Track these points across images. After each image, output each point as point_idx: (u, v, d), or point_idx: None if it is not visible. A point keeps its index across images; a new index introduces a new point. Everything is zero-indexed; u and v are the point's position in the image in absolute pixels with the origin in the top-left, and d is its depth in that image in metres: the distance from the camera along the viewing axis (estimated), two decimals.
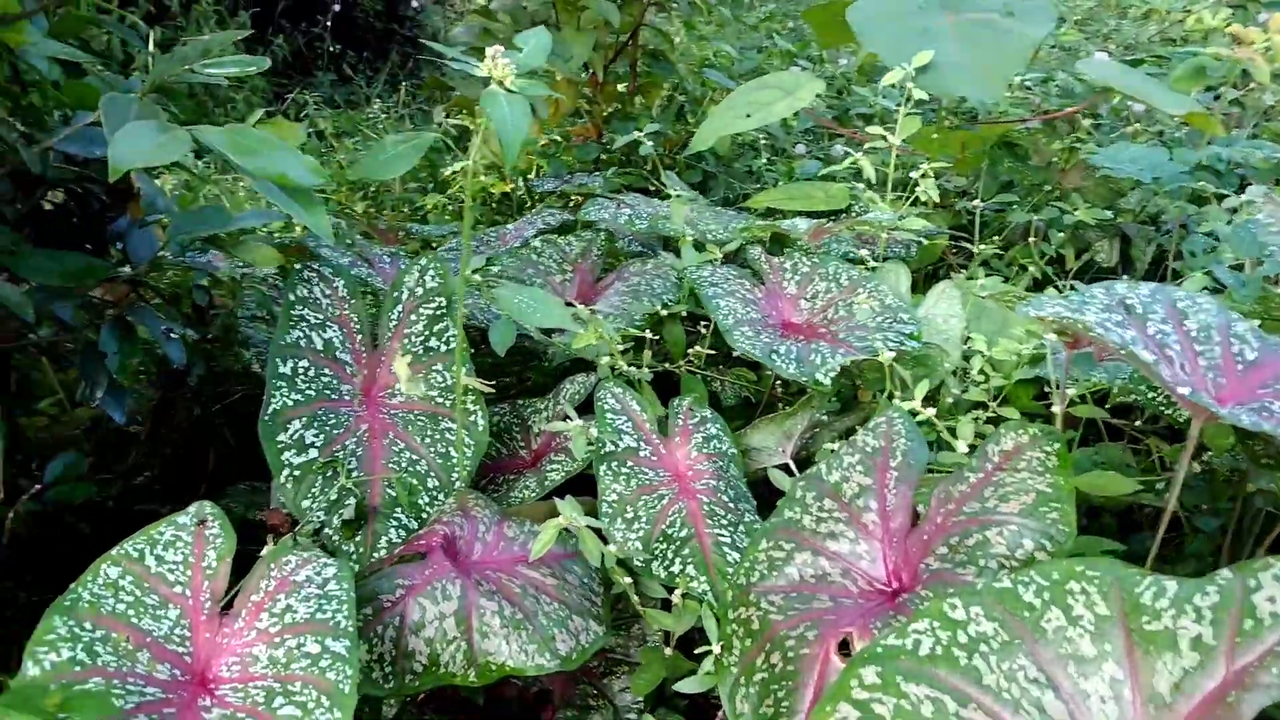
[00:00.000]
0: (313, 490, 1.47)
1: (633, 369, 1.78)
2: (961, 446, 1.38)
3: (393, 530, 1.47)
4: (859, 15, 2.23)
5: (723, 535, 1.51)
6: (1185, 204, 2.47)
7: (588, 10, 3.17)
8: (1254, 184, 2.15)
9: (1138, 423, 2.10)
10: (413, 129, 4.78)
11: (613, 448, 1.59)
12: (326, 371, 1.56)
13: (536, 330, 1.86)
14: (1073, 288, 2.28)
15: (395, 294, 1.63)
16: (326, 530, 1.46)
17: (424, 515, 1.50)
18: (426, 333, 1.62)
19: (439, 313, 1.63)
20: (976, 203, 2.53)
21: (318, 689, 1.02)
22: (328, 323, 1.59)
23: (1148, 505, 1.73)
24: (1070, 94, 3.69)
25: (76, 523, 1.91)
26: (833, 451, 1.28)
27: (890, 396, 1.71)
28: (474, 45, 3.20)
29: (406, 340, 1.62)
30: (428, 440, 1.56)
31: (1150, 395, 1.57)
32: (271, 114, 5.77)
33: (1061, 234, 2.70)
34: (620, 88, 3.66)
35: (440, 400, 1.59)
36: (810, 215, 2.56)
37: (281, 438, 1.48)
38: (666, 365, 1.95)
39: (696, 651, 1.34)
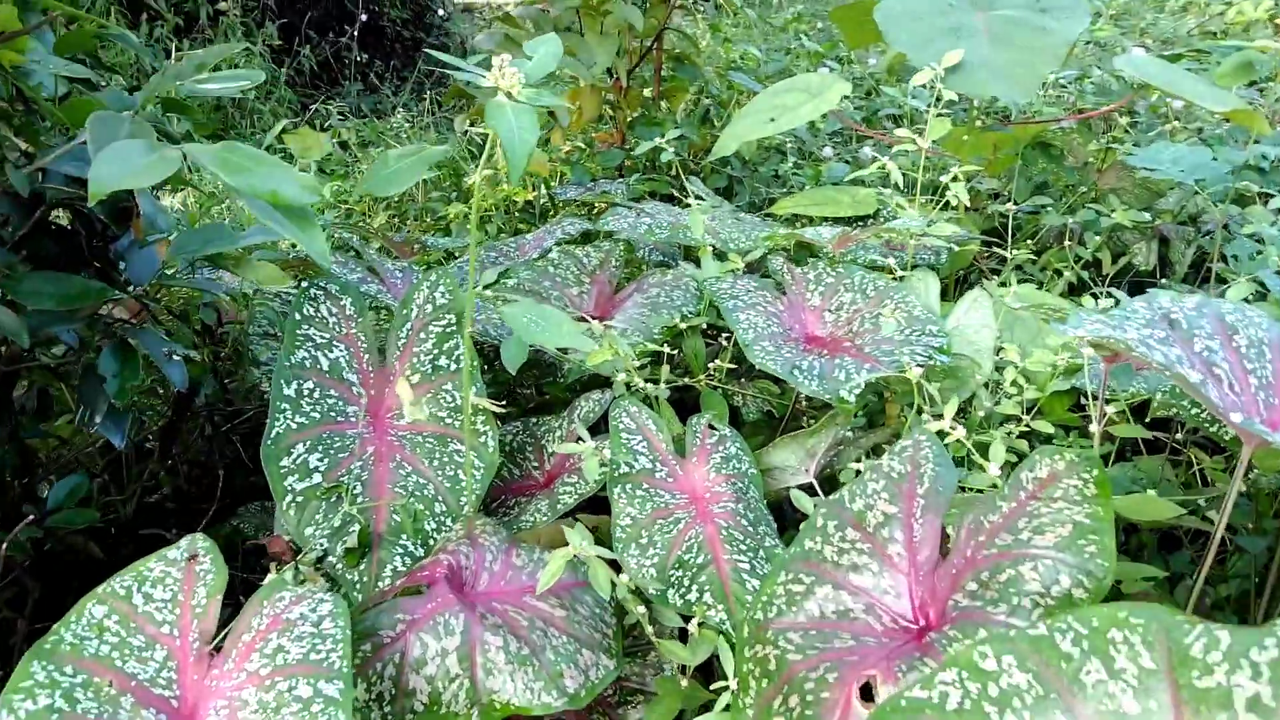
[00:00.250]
0: (316, 517, 1.43)
1: (649, 385, 1.71)
2: (993, 469, 1.30)
3: (398, 558, 1.42)
4: (886, 14, 2.15)
5: (741, 561, 1.45)
6: (1229, 205, 2.37)
7: (611, 15, 3.11)
8: None
9: (1178, 435, 2.01)
10: (437, 137, 4.76)
11: (627, 469, 1.53)
12: (332, 393, 1.52)
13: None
14: (1109, 294, 2.19)
15: (404, 311, 1.59)
16: (330, 558, 1.42)
17: (431, 542, 1.45)
18: (436, 351, 1.57)
19: (449, 330, 1.58)
20: (1010, 205, 2.44)
21: None
22: (334, 342, 1.54)
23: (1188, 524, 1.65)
24: (1106, 91, 3.58)
25: (86, 544, 1.89)
26: (856, 475, 1.21)
27: (919, 411, 1.63)
28: (496, 52, 3.16)
29: (415, 359, 1.57)
30: (436, 463, 1.51)
31: (1194, 411, 1.48)
32: (297, 124, 5.79)
33: (1098, 237, 2.61)
34: (645, 92, 3.60)
35: (449, 421, 1.54)
36: (836, 221, 2.49)
37: (284, 462, 1.44)
38: (686, 379, 1.89)
39: (714, 687, 1.28)
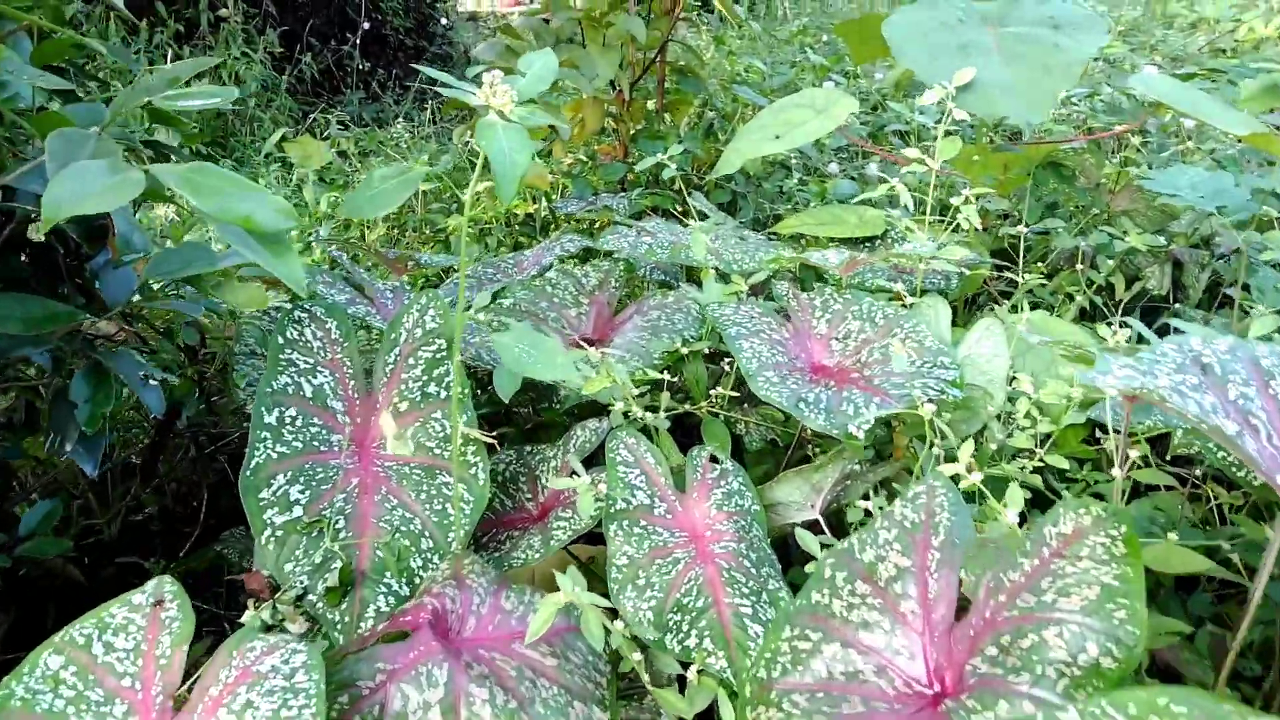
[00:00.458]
0: (296, 552, 1.36)
1: (649, 414, 1.65)
2: (1010, 516, 1.23)
3: (382, 598, 1.35)
4: (895, 30, 2.09)
5: (744, 605, 1.37)
6: (1250, 231, 2.30)
7: (614, 26, 3.05)
8: None
9: (1196, 471, 1.94)
10: (437, 148, 4.70)
11: (624, 505, 1.46)
12: (316, 421, 1.45)
13: None
14: (1125, 324, 2.12)
15: (392, 335, 1.52)
16: (310, 596, 1.34)
17: (417, 580, 1.37)
18: (425, 377, 1.50)
19: (439, 355, 1.51)
20: (1021, 228, 2.37)
21: None
22: (319, 367, 1.47)
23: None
24: (1116, 109, 3.52)
25: (65, 566, 1.82)
26: (865, 519, 1.14)
27: (930, 445, 1.56)
28: (496, 64, 3.10)
29: (403, 386, 1.50)
30: (423, 496, 1.44)
31: (1220, 455, 1.41)
32: (298, 132, 5.73)
33: (1111, 261, 2.54)
34: (648, 105, 3.54)
35: (439, 452, 1.47)
36: (843, 242, 2.42)
37: (264, 494, 1.37)
38: (687, 406, 1.82)
39: None
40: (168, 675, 1.00)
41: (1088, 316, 2.65)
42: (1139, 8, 6.32)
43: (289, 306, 1.48)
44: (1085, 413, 1.73)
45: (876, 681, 1.00)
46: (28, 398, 1.81)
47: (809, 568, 1.47)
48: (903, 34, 2.08)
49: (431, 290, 1.52)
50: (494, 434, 1.47)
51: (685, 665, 1.33)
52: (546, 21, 3.15)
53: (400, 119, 5.93)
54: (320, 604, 1.34)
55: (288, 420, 1.42)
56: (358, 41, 6.86)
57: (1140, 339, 2.06)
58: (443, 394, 1.49)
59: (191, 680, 1.02)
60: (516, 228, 3.59)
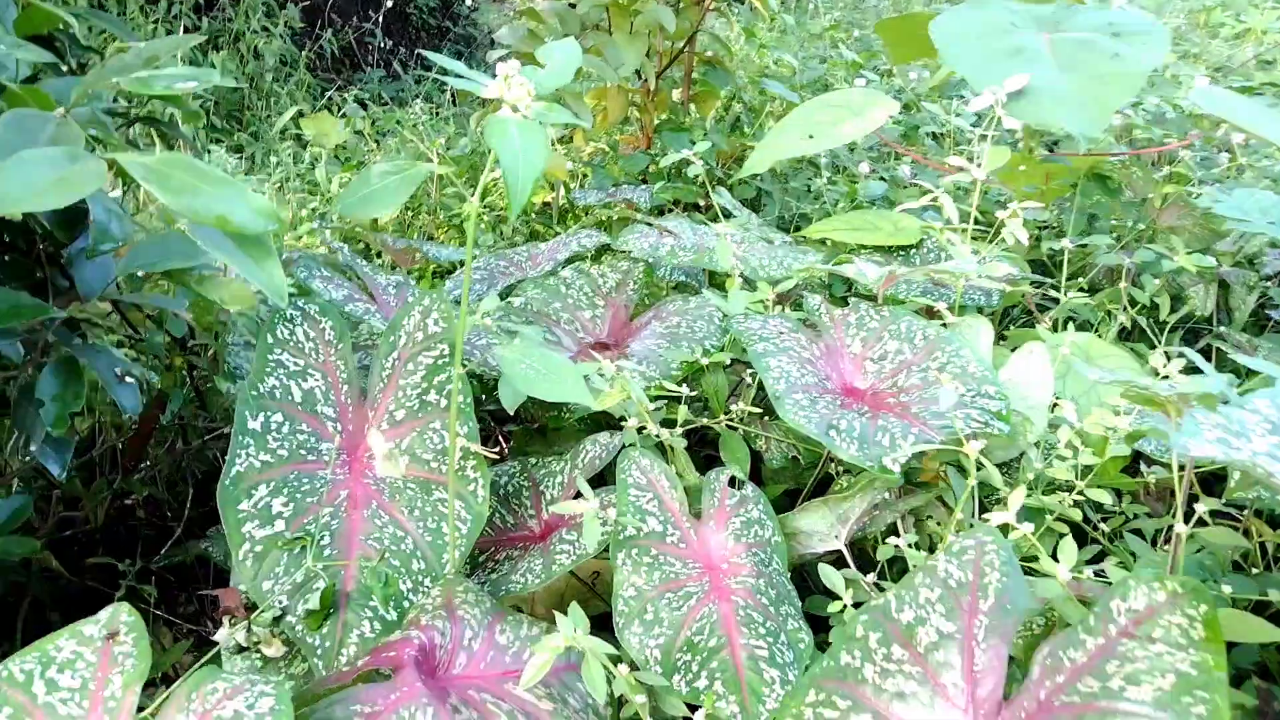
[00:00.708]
0: (276, 570, 1.25)
1: (664, 430, 1.53)
2: (1063, 573, 1.11)
3: (366, 623, 1.24)
4: (943, 31, 1.96)
5: (759, 647, 1.26)
6: None
7: (641, 14, 2.93)
8: None
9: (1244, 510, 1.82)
10: (455, 131, 4.59)
11: (634, 532, 1.35)
12: (304, 427, 1.34)
13: None
14: (1182, 354, 1.98)
15: (391, 338, 1.40)
16: (289, 618, 1.24)
17: (405, 604, 1.27)
18: (425, 384, 1.39)
19: (441, 362, 1.39)
20: (1065, 242, 2.24)
21: None
22: (310, 369, 1.36)
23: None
24: (1161, 120, 3.37)
25: (44, 554, 1.72)
26: (906, 577, 1.02)
27: (969, 479, 1.45)
28: (518, 50, 2.98)
29: (401, 393, 1.39)
30: (417, 513, 1.33)
31: None
32: (316, 109, 5.62)
33: (1157, 280, 2.41)
34: (673, 95, 3.42)
35: (435, 465, 1.36)
36: (875, 250, 2.30)
37: (244, 506, 1.26)
38: (704, 420, 1.70)
39: None
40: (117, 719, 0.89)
41: (1128, 336, 2.52)
42: (1182, 16, 6.14)
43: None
44: (1130, 445, 1.61)
45: None
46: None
47: (832, 608, 1.36)
48: (951, 35, 1.94)
49: (435, 290, 1.41)
50: (502, 429, 1.36)
51: (693, 708, 1.23)
52: (573, 6, 3.02)
53: (419, 99, 5.81)
54: (300, 627, 1.23)
55: (274, 426, 1.31)
56: (380, 19, 6.74)
57: (1193, 368, 1.94)
58: (443, 403, 1.38)
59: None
60: (533, 216, 3.47)
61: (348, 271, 1.78)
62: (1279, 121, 1.98)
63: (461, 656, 1.15)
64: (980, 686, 0.91)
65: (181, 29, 5.48)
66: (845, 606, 1.33)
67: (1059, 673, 0.87)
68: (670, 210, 3.18)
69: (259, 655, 1.26)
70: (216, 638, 1.27)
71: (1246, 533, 1.77)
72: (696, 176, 2.34)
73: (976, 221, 1.98)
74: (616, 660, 1.21)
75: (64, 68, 1.32)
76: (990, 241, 1.90)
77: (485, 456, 1.35)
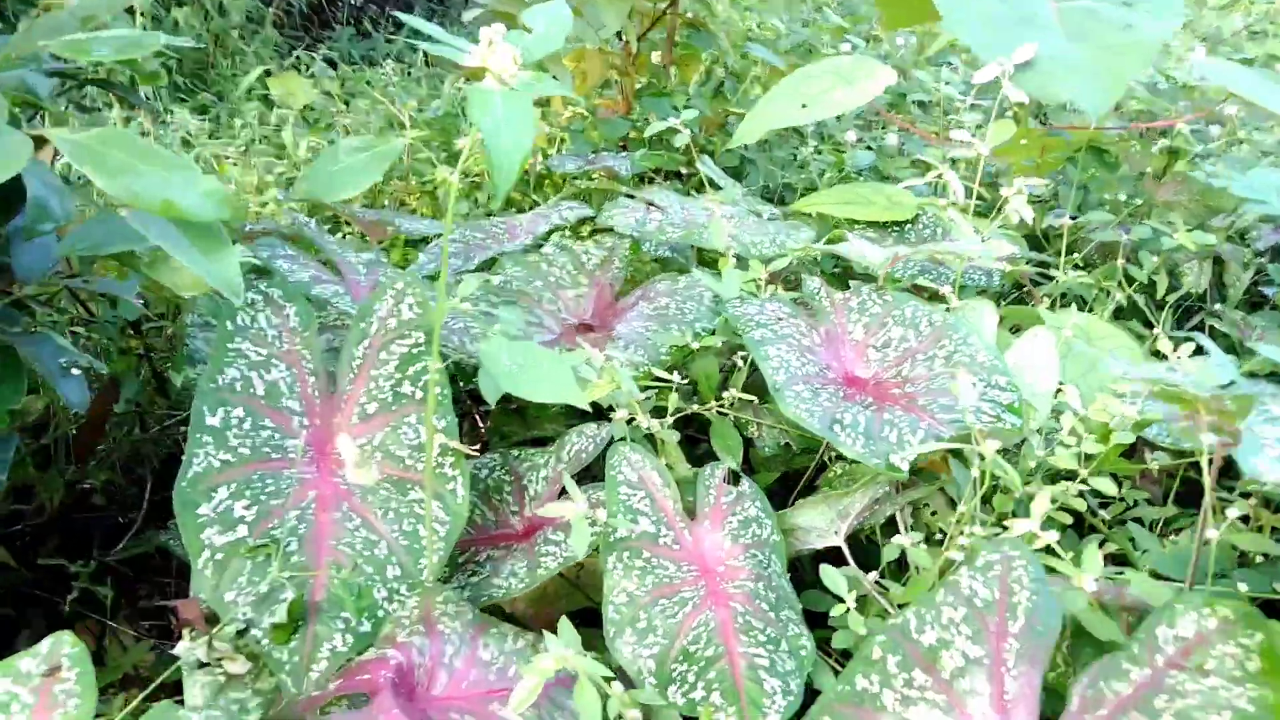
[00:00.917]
0: (240, 580, 1.15)
1: (654, 422, 1.44)
2: (1088, 584, 1.04)
3: (338, 635, 1.14)
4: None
5: (759, 655, 1.19)
6: None
7: None
8: None
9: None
10: (428, 92, 4.43)
11: (625, 533, 1.26)
12: (267, 423, 1.23)
13: None
14: (1191, 338, 1.91)
15: (362, 325, 1.30)
16: (254, 631, 1.14)
17: (380, 613, 1.17)
18: (398, 375, 1.29)
19: (416, 351, 1.29)
20: (1064, 219, 2.17)
21: None
22: (273, 360, 1.26)
23: None
24: (1152, 89, 3.30)
25: None
26: (928, 596, 0.94)
27: (967, 463, 1.37)
28: (496, 9, 2.84)
29: (373, 384, 1.28)
30: (391, 515, 1.24)
31: None
32: (284, 68, 5.42)
33: (1155, 257, 2.34)
34: (654, 58, 3.30)
35: (411, 462, 1.26)
36: (868, 225, 2.21)
37: (203, 510, 1.16)
38: (694, 407, 1.61)
39: None
40: None
41: (1121, 314, 2.46)
42: None
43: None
44: (1137, 433, 1.54)
45: None
46: None
47: (835, 611, 1.28)
48: (957, 3, 1.84)
49: (409, 272, 1.30)
50: (479, 408, 1.26)
51: None
52: None
53: (390, 59, 5.62)
54: (266, 641, 1.14)
55: (234, 422, 1.21)
56: None
57: (1198, 350, 1.87)
58: (419, 394, 1.28)
59: None
60: None
61: (314, 247, 1.66)
62: None
63: (442, 675, 1.07)
64: (1011, 718, 0.83)
65: None
66: (848, 609, 1.25)
67: (1100, 705, 0.79)
68: (654, 179, 3.07)
69: (222, 671, 1.17)
70: (176, 651, 1.17)
71: (1245, 519, 1.72)
72: (683, 146, 2.25)
73: (977, 196, 1.90)
74: (609, 678, 1.13)
75: None
76: (992, 219, 1.82)
77: (464, 453, 1.26)
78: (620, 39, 3.05)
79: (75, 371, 1.16)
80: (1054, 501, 1.47)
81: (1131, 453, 1.78)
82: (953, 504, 1.72)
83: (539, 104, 3.50)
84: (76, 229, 1.10)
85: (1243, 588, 1.40)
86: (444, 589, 1.17)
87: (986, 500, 1.63)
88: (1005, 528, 1.58)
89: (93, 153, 0.71)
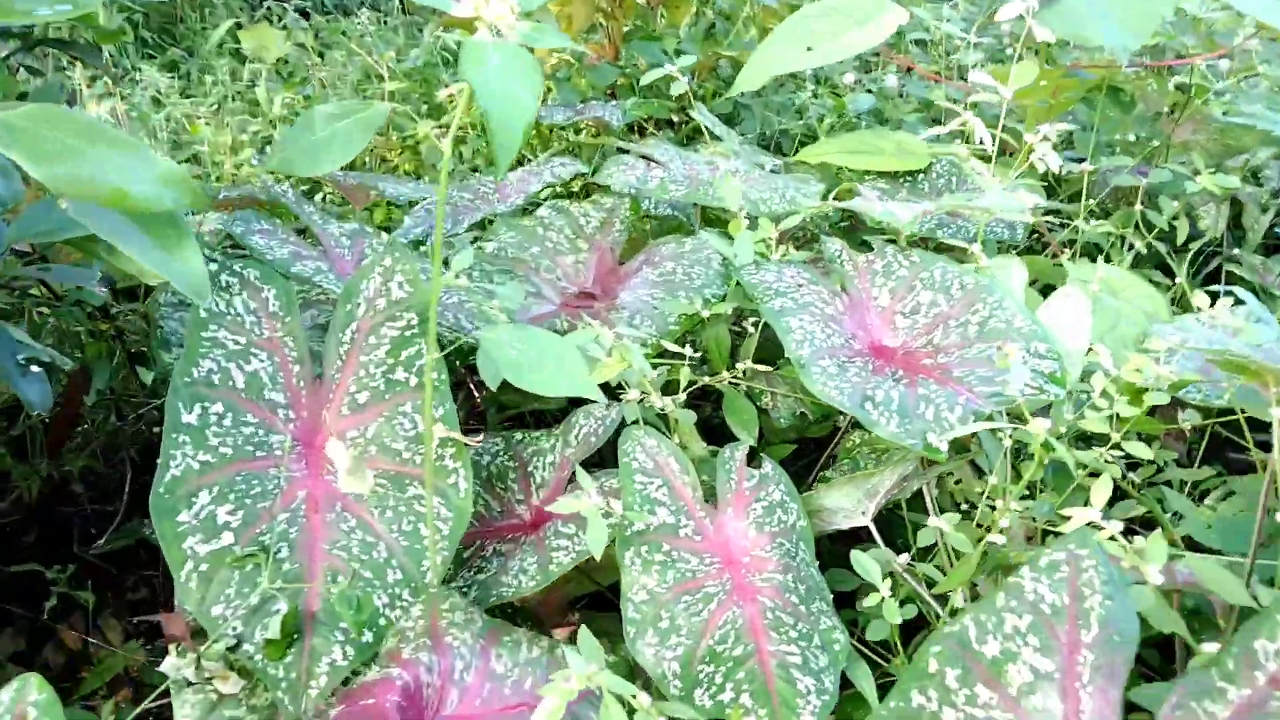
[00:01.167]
0: (227, 591, 1.06)
1: (667, 400, 1.34)
2: (1154, 576, 0.95)
3: (338, 648, 1.05)
4: None
5: (791, 653, 1.10)
6: None
7: None
8: None
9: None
10: (406, 42, 4.25)
11: (643, 526, 1.17)
12: (249, 418, 1.13)
13: None
14: (1231, 293, 1.82)
15: (348, 306, 1.19)
16: (246, 646, 1.05)
17: (382, 622, 1.08)
18: (390, 361, 1.18)
19: (409, 333, 1.19)
20: (1085, 165, 2.06)
21: None
22: (253, 348, 1.15)
23: None
24: (1164, 27, 3.16)
25: None
26: (988, 602, 0.86)
27: (996, 432, 1.29)
28: None
29: (363, 371, 1.18)
30: (390, 513, 1.14)
31: None
32: (254, 19, 5.21)
33: (1175, 202, 2.24)
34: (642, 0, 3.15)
35: (408, 456, 1.16)
36: (879, 175, 2.10)
37: (183, 517, 1.06)
38: (707, 380, 1.52)
39: None
40: None
41: (1140, 261, 2.36)
42: None
43: (213, 268, 1.14)
44: (1173, 394, 1.46)
45: None
46: None
47: (868, 602, 1.20)
48: None
49: (394, 240, 1.19)
50: (474, 377, 1.16)
51: None
52: None
53: (365, 7, 5.41)
54: (259, 656, 1.05)
55: (213, 419, 1.10)
56: None
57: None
58: (414, 381, 1.18)
59: None
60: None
61: (292, 215, 1.54)
62: None
63: (453, 693, 0.98)
64: None
65: None
66: (883, 599, 1.17)
67: None
68: (646, 129, 2.94)
69: (214, 689, 1.08)
70: (164, 669, 1.08)
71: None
72: (680, 95, 2.12)
73: (980, 141, 1.78)
74: (631, 675, 1.05)
75: None
76: (1015, 170, 1.71)
77: (466, 443, 1.16)
78: None
79: (35, 369, 1.05)
80: (1082, 467, 1.38)
81: (1155, 410, 1.70)
82: (979, 471, 1.63)
83: None
84: (25, 213, 0.98)
85: None
86: (450, 593, 1.08)
87: (1016, 469, 1.54)
88: (1032, 496, 1.50)
89: (23, 134, 0.59)
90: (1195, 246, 2.37)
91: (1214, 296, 1.71)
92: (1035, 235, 2.36)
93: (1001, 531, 1.19)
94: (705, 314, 1.51)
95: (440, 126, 3.00)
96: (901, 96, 3.12)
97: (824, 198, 1.81)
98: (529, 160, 2.64)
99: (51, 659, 1.63)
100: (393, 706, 0.92)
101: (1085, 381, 1.39)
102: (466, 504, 1.15)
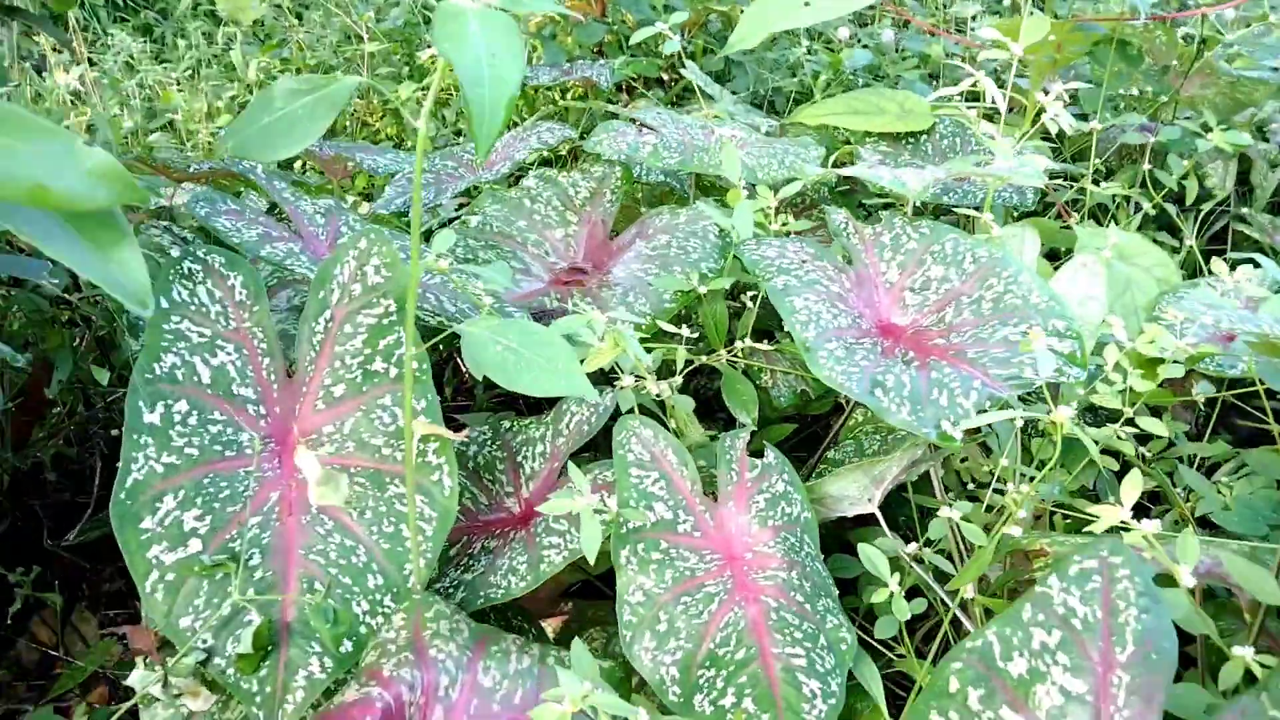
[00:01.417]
0: (196, 602, 0.99)
1: (664, 385, 1.27)
2: (1186, 577, 0.89)
3: (315, 659, 0.99)
4: None
5: (796, 655, 1.04)
6: None
7: None
8: None
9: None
10: (384, 1, 4.11)
11: (639, 523, 1.10)
12: (216, 416, 1.05)
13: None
14: (1254, 262, 1.75)
15: (321, 292, 1.11)
16: (217, 660, 0.99)
17: (362, 630, 1.02)
18: (368, 351, 1.11)
19: (387, 321, 1.11)
20: (1094, 124, 1.97)
21: None
22: (219, 341, 1.07)
23: None
24: None
25: None
26: (1013, 615, 0.79)
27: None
28: None
29: (338, 363, 1.10)
30: (369, 514, 1.07)
31: None
32: None
33: (1185, 160, 2.16)
34: None
35: (388, 452, 1.09)
36: (880, 137, 2.01)
37: (146, 524, 0.99)
38: (703, 358, 1.45)
39: None
40: None
41: (1146, 222, 2.29)
42: None
43: (175, 254, 1.06)
44: (1191, 367, 1.40)
45: None
46: None
47: (877, 598, 1.14)
48: None
49: (373, 226, 1.11)
50: (458, 351, 1.10)
51: None
52: None
53: None
54: (231, 670, 0.98)
55: (177, 417, 1.03)
56: None
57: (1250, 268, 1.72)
58: (393, 372, 1.10)
59: None
60: None
61: (262, 190, 1.45)
62: None
63: (437, 711, 0.91)
64: None
65: None
66: (892, 595, 1.11)
67: None
68: (635, 88, 2.84)
69: (184, 705, 1.01)
70: (130, 683, 1.02)
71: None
72: (671, 55, 2.03)
73: (979, 98, 1.70)
74: (628, 677, 0.99)
75: None
76: (1024, 132, 1.63)
77: (451, 437, 1.09)
78: None
79: None
80: (1096, 443, 1.32)
81: (1166, 380, 1.64)
82: (987, 450, 1.57)
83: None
84: None
85: None
86: (434, 600, 1.02)
87: (1026, 449, 1.48)
88: (1038, 476, 1.44)
89: None
90: (1206, 208, 2.30)
91: (1233, 265, 1.64)
92: (1041, 196, 2.28)
93: (1018, 522, 1.13)
94: (703, 290, 1.44)
95: (421, 89, 2.89)
96: (899, 51, 3.02)
97: (824, 162, 1.73)
98: (515, 124, 2.54)
99: (25, 656, 1.57)
100: None
101: (1097, 354, 1.33)
102: (451, 503, 1.08)
